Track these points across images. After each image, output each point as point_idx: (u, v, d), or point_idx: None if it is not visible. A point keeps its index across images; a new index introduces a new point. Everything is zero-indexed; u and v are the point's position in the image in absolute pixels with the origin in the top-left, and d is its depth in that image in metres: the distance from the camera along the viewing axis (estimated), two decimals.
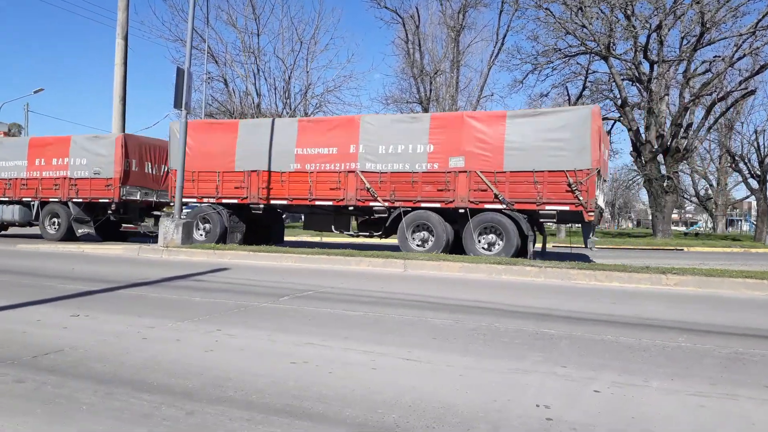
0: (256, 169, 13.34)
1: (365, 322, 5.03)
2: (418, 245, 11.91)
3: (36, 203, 16.78)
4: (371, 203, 12.33)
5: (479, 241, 11.49)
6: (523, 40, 48.26)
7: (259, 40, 26.80)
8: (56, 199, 16.36)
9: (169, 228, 12.25)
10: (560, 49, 26.10)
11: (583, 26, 24.27)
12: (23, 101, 63.02)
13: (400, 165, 12.05)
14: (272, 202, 13.35)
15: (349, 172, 12.49)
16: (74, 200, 16.08)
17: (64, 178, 16.23)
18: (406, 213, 12.01)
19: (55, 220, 16.50)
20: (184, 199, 13.18)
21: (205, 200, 13.95)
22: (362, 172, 12.35)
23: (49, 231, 16.46)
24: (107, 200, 15.71)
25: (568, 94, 29.32)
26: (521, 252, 11.31)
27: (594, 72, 28.50)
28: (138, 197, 16.13)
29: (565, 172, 10.72)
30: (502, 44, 27.49)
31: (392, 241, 13.14)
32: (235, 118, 25.96)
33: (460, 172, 11.54)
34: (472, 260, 9.37)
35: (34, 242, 14.42)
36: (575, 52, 26.23)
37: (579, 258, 12.49)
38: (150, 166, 16.53)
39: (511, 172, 11.16)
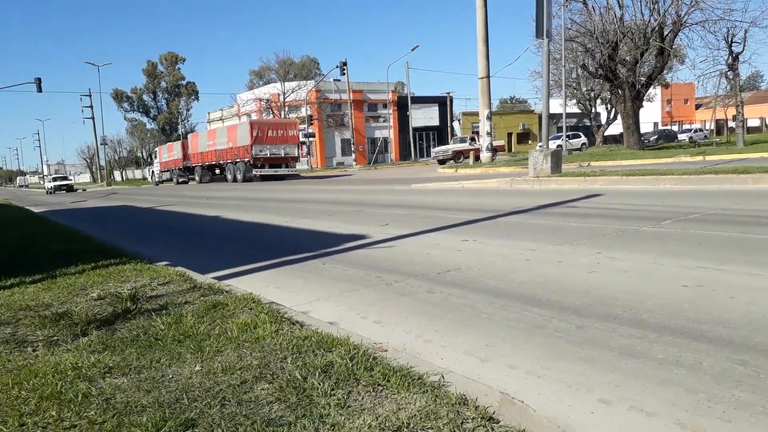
0: (200, 151, 34.55)
1: None
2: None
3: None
4: (216, 161, 32.55)
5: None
6: None
7: None
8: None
9: (538, 159, 12.54)
10: None
11: None
12: (403, 60, 72.37)
13: (224, 146, 31.65)
14: (204, 162, 34.19)
15: (216, 150, 32.28)
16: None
17: None
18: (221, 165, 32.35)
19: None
20: (185, 164, 37.09)
21: (197, 163, 35.26)
22: (217, 150, 32.22)
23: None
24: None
25: None
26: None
27: None
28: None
29: (245, 145, 29.29)
30: None
31: None
32: (596, 38, 24.72)
33: (229, 147, 30.77)
34: None
35: (423, 182, 16.61)
36: None
37: None
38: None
39: (238, 147, 29.98)
